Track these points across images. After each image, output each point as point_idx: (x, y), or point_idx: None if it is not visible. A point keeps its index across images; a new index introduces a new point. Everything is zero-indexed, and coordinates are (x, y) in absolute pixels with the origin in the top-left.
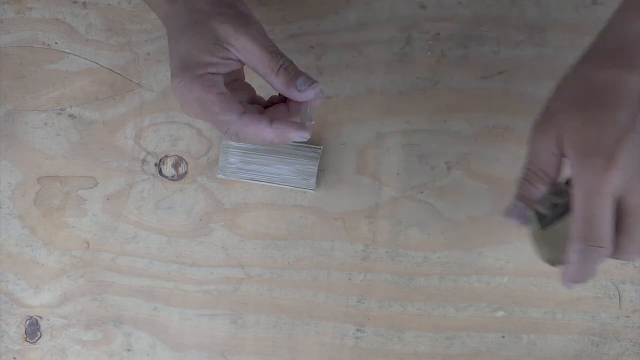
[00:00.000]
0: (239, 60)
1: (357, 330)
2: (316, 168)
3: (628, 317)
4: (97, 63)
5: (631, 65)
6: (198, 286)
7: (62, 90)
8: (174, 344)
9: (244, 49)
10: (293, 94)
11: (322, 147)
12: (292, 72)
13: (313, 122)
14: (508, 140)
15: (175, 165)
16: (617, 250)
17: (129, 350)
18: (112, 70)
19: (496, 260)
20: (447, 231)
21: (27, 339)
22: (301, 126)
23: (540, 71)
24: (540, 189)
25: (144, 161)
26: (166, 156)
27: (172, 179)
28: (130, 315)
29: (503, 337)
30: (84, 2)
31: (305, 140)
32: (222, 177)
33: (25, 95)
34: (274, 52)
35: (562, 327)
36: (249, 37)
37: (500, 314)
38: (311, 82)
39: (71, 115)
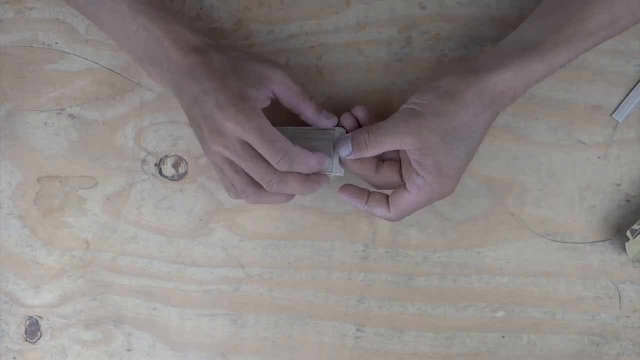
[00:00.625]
0: (272, 97)
1: (357, 330)
2: (331, 150)
3: (628, 317)
4: (97, 63)
5: (489, 110)
6: (198, 286)
7: (62, 90)
8: (174, 344)
9: (280, 82)
10: (321, 119)
11: (335, 129)
12: (316, 103)
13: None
14: (508, 140)
15: (175, 165)
16: None
17: (129, 350)
18: (112, 70)
19: (496, 260)
20: (447, 231)
21: (27, 339)
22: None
23: None
24: (368, 151)
25: (144, 161)
26: (166, 156)
27: (172, 179)
28: (130, 315)
29: (503, 337)
30: None
31: (339, 174)
32: None
33: (25, 95)
34: (302, 86)
35: (562, 327)
36: (284, 72)
37: (500, 314)
38: (332, 115)
39: (71, 115)
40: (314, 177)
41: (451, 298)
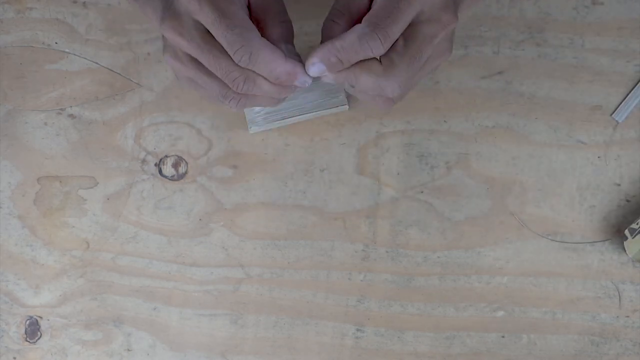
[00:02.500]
0: (246, 3)
1: (357, 330)
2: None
3: (628, 317)
4: (97, 63)
5: None
6: (198, 286)
7: (62, 90)
8: (174, 344)
9: None
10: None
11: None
12: (288, 30)
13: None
14: (508, 140)
15: (175, 165)
16: (388, 64)
17: (129, 350)
18: (112, 70)
19: (496, 260)
20: (447, 231)
21: (27, 339)
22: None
23: (540, 71)
24: (342, 26)
25: (144, 161)
26: (166, 156)
27: (172, 179)
28: (130, 315)
29: (503, 337)
30: (84, 2)
31: (305, 85)
32: (256, 130)
33: (25, 95)
34: (284, 7)
35: (562, 327)
36: None
37: (500, 314)
38: (294, 53)
39: (71, 115)
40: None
41: (451, 298)
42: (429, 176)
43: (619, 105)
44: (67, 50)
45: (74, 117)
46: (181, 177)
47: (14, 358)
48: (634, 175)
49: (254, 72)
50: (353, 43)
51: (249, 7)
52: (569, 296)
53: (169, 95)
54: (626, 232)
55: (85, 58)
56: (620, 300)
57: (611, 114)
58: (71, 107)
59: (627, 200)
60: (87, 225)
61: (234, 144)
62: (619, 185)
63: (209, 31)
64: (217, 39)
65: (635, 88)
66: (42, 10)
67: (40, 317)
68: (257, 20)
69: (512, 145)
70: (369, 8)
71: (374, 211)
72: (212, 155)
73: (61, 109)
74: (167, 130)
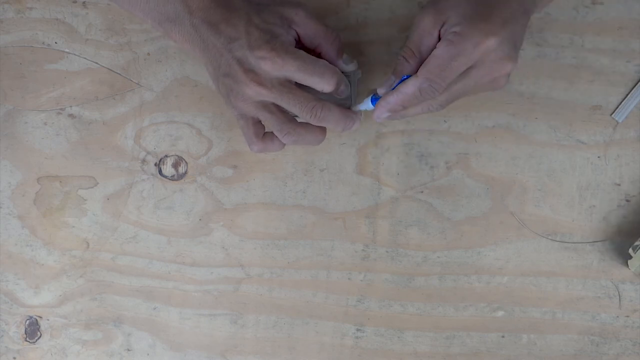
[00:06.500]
0: (296, 38)
1: (357, 330)
2: (348, 89)
3: (628, 317)
4: (97, 63)
5: None
6: (198, 286)
7: (62, 90)
8: (174, 344)
9: (303, 23)
10: (339, 64)
11: (351, 73)
12: (341, 44)
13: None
14: (508, 140)
15: (175, 165)
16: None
17: (128, 350)
18: (112, 70)
19: (496, 260)
20: (447, 231)
21: (27, 339)
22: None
23: (540, 71)
24: (412, 66)
25: (143, 161)
26: (166, 156)
27: (172, 178)
28: (130, 315)
29: (503, 337)
30: (84, 2)
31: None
32: None
33: (25, 95)
34: (327, 25)
35: (562, 327)
36: (306, 12)
37: (500, 313)
38: (351, 60)
39: (71, 115)
40: (350, 111)
41: (451, 298)
42: (429, 176)
43: (619, 105)
44: (67, 50)
45: (74, 117)
46: (181, 177)
47: (14, 358)
48: (634, 175)
49: (327, 101)
50: (415, 96)
51: (299, 39)
52: (569, 296)
53: (169, 95)
54: (630, 250)
55: (85, 58)
56: (620, 300)
57: (611, 114)
58: (71, 107)
59: (627, 200)
60: (87, 225)
61: (234, 143)
62: (619, 185)
63: (285, 79)
64: (304, 79)
65: (635, 88)
66: (42, 10)
67: (40, 317)
68: (313, 46)
69: (512, 145)
70: (431, 48)
71: (374, 211)
72: (212, 155)
73: (61, 109)
74: (167, 130)
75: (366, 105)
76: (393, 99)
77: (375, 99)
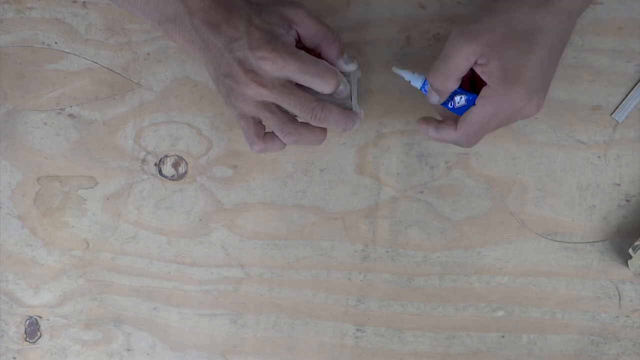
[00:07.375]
0: (297, 38)
1: (357, 330)
2: (348, 89)
3: (628, 317)
4: (97, 63)
5: (545, 6)
6: (198, 286)
7: (62, 90)
8: (174, 344)
9: (304, 23)
10: (340, 64)
11: (351, 73)
12: (341, 44)
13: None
14: (508, 140)
15: (175, 165)
16: None
17: (128, 350)
18: (112, 70)
19: (496, 260)
20: (447, 231)
21: (27, 339)
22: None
23: None
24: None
25: (143, 161)
26: (166, 156)
27: (172, 178)
28: (130, 315)
29: (503, 337)
30: (84, 2)
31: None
32: None
33: (25, 95)
34: (328, 25)
35: (562, 327)
36: (307, 12)
37: (500, 313)
38: (352, 60)
39: (71, 115)
40: (351, 111)
41: (451, 298)
42: (429, 176)
43: (619, 105)
44: (67, 50)
45: (74, 117)
46: (181, 177)
47: (14, 358)
48: (634, 175)
49: (327, 102)
50: (452, 142)
51: (299, 39)
52: (569, 296)
53: (169, 95)
54: (630, 250)
55: (85, 58)
56: (620, 300)
57: (611, 114)
58: (71, 107)
59: (627, 200)
60: (87, 225)
61: (234, 143)
62: (619, 185)
63: (287, 79)
64: (305, 79)
65: (635, 88)
66: (42, 10)
67: (40, 317)
68: (314, 46)
69: (512, 145)
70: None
71: (374, 211)
72: (212, 155)
73: (61, 109)
74: (167, 130)
75: (415, 82)
76: (432, 133)
77: (426, 83)
